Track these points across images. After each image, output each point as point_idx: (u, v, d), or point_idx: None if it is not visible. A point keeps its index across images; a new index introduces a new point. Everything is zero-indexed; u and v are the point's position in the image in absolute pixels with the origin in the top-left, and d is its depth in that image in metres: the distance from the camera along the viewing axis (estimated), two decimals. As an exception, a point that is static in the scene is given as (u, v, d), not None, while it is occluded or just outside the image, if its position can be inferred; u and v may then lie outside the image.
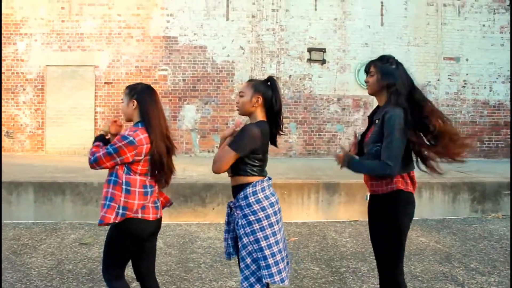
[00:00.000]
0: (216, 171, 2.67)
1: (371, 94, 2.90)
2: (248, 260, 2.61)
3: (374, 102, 10.63)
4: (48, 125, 10.44)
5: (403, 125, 2.62)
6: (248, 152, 2.64)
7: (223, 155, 2.63)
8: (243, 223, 2.63)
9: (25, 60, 10.41)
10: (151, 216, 2.64)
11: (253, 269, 2.61)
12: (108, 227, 2.72)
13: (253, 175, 2.69)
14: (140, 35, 10.36)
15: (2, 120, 10.23)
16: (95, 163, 2.59)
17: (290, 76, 10.70)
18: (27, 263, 4.44)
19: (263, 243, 2.59)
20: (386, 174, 2.63)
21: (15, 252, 4.77)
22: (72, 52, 10.37)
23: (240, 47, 10.54)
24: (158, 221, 2.74)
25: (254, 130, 2.66)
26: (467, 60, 10.94)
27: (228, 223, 2.83)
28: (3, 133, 10.36)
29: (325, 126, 10.74)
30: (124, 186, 2.56)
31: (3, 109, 10.26)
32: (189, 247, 5.07)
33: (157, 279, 2.92)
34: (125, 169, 2.58)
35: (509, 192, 7.22)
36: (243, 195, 2.65)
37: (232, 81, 10.61)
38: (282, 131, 2.90)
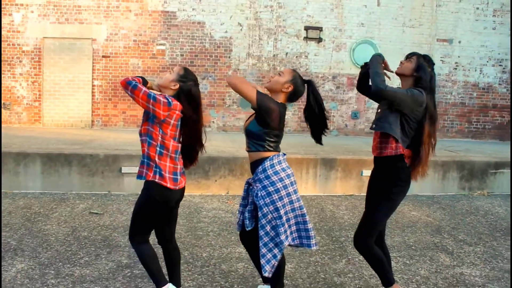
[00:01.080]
0: (232, 84, 2.88)
1: (398, 73, 3.20)
2: (268, 228, 2.84)
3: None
4: (45, 98, 10.49)
5: (416, 99, 2.95)
6: (261, 106, 2.82)
7: (247, 86, 2.87)
8: (262, 194, 2.85)
9: (21, 32, 10.36)
10: (177, 186, 2.85)
11: (272, 235, 2.86)
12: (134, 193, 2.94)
13: (269, 150, 2.93)
14: (138, 9, 10.37)
15: None
16: (132, 88, 2.68)
17: (286, 53, 10.85)
18: (43, 229, 4.66)
19: (282, 211, 2.83)
20: (379, 87, 2.94)
21: (29, 220, 4.98)
22: (69, 24, 10.35)
23: (238, 23, 10.63)
24: (183, 189, 2.96)
25: (275, 103, 2.90)
26: (459, 42, 11.19)
27: (244, 198, 3.08)
28: None
29: (319, 104, 10.96)
30: (158, 148, 2.77)
31: None
32: (195, 217, 5.33)
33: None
34: (160, 131, 2.77)
35: (495, 171, 7.58)
36: (261, 169, 2.89)
37: (229, 57, 10.72)
38: (326, 132, 3.18)
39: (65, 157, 6.28)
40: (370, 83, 3.19)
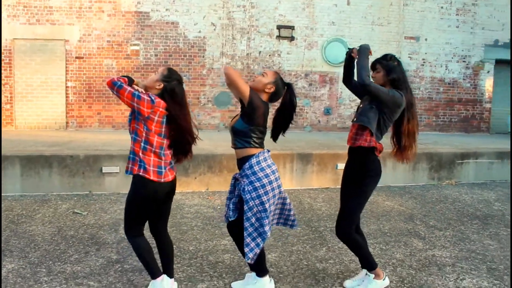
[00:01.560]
0: (230, 76, 3.04)
1: None
2: (253, 219, 3.03)
3: (339, 78, 11.19)
4: (18, 100, 10.35)
5: (395, 101, 3.19)
6: (251, 102, 3.02)
7: (242, 81, 3.04)
8: (249, 189, 3.04)
9: (-10, 33, 10.19)
10: (162, 179, 2.98)
11: (257, 226, 3.04)
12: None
13: (255, 147, 3.14)
14: (111, 9, 10.35)
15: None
16: (117, 88, 2.86)
17: (260, 52, 11.05)
18: (28, 230, 4.70)
19: (267, 205, 3.03)
20: (364, 81, 3.15)
21: (13, 221, 5.00)
22: (41, 25, 10.24)
23: (212, 23, 10.76)
24: (173, 182, 3.10)
25: (262, 101, 3.10)
26: (426, 39, 11.65)
27: (231, 192, 3.27)
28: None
29: (293, 101, 11.20)
30: (142, 144, 2.94)
31: (-30, 83, 10.07)
32: (178, 213, 5.47)
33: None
34: (145, 127, 2.93)
35: (462, 162, 8.00)
36: (248, 165, 3.08)
37: (203, 56, 10.84)
38: (284, 134, 3.41)
39: (45, 158, 6.29)
40: (354, 77, 3.41)
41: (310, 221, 5.31)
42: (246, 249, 3.04)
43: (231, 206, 3.18)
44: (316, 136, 9.72)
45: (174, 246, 4.20)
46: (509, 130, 12.34)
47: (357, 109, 3.47)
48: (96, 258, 3.97)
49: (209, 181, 6.83)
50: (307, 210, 5.79)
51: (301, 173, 7.13)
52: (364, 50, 3.30)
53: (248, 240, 3.05)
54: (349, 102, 11.43)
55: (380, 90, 3.17)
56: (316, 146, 7.84)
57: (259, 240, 3.05)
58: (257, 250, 3.04)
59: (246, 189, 3.05)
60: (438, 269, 3.92)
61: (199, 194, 6.51)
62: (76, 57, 10.37)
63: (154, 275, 3.06)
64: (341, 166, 7.10)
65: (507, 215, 5.82)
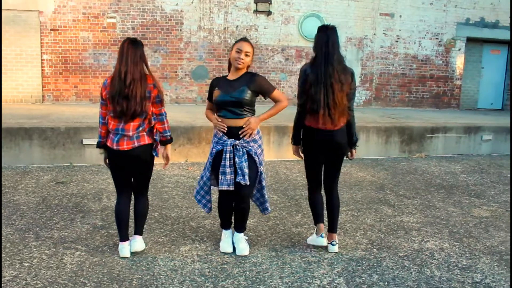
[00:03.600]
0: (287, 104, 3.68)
1: None
2: (260, 167, 3.58)
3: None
4: (-9, 72, 10.17)
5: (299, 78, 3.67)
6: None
7: (282, 95, 3.67)
8: (259, 151, 3.58)
9: (-40, 3, 9.90)
10: (113, 146, 3.36)
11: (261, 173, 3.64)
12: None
13: (253, 114, 3.56)
14: (86, -20, 10.18)
15: None
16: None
17: (237, 26, 11.09)
18: (13, 200, 4.81)
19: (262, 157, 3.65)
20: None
21: (-4, 191, 5.09)
22: (13, -5, 10.00)
23: (189, -4, 10.71)
24: (122, 151, 3.34)
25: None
26: (400, 16, 11.88)
27: (230, 158, 3.48)
28: None
29: (269, 75, 11.34)
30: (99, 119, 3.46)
31: None
32: (159, 183, 5.64)
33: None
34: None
35: (432, 135, 8.37)
36: (256, 130, 3.56)
37: (181, 30, 10.82)
38: None
39: (25, 130, 6.32)
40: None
41: (286, 190, 5.56)
42: (267, 204, 3.72)
43: (245, 171, 3.44)
44: (292, 110, 9.90)
45: (156, 213, 4.45)
46: (478, 107, 12.83)
47: None
48: (81, 225, 4.13)
49: (189, 153, 7.00)
50: (283, 180, 6.03)
51: (277, 145, 7.35)
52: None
53: (266, 196, 3.71)
54: (325, 78, 11.62)
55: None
56: (292, 119, 8.03)
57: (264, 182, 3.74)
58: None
59: (258, 151, 3.54)
60: (405, 233, 4.23)
61: (178, 165, 6.68)
62: (51, 29, 10.20)
63: (120, 238, 3.53)
64: (317, 139, 7.37)
65: (471, 185, 6.21)
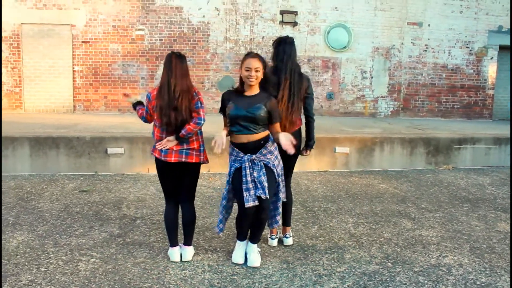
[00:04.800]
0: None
1: None
2: (278, 178, 3.63)
3: (341, 64, 11.33)
4: (26, 84, 10.59)
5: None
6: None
7: (279, 128, 3.66)
8: (276, 163, 3.59)
9: (-2, 18, 10.39)
10: (161, 157, 3.51)
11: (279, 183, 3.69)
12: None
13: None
14: (116, -6, 10.50)
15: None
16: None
17: (263, 37, 11.17)
18: (37, 207, 4.98)
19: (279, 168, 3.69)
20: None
21: (22, 199, 5.28)
22: (48, 10, 10.42)
23: (216, 8, 10.87)
24: (166, 162, 3.51)
25: None
26: (429, 25, 11.68)
27: (250, 174, 3.50)
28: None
29: (296, 86, 11.33)
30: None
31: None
32: (179, 193, 5.70)
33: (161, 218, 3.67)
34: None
35: (459, 147, 8.15)
36: (271, 143, 3.59)
37: (207, 41, 10.99)
38: None
39: (53, 140, 6.54)
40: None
41: (305, 201, 5.53)
42: (278, 217, 3.78)
43: (264, 184, 3.47)
44: (317, 121, 9.82)
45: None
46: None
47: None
48: (99, 232, 4.23)
49: (211, 163, 7.03)
50: (304, 192, 6.00)
51: (299, 156, 7.30)
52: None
53: (280, 209, 3.79)
54: (352, 88, 11.55)
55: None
56: (316, 130, 7.97)
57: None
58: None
59: (275, 163, 3.56)
60: (423, 247, 4.13)
61: (200, 175, 6.72)
62: (83, 42, 10.56)
63: (170, 242, 3.69)
64: (339, 149, 7.30)
65: (498, 198, 6.00)
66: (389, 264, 3.72)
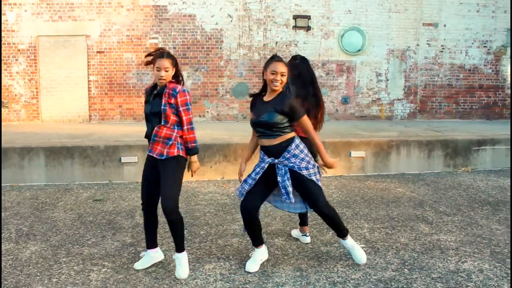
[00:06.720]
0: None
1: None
2: (314, 178, 3.48)
3: (356, 67, 11.21)
4: (43, 94, 10.76)
5: None
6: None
7: (308, 124, 3.51)
8: (303, 165, 3.43)
9: (15, 31, 10.58)
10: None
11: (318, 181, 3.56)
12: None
13: (292, 131, 3.52)
14: (130, 4, 10.60)
15: (-2, 90, 10.51)
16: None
17: (276, 42, 11.13)
18: (51, 217, 5.00)
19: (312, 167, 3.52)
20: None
21: (37, 209, 5.32)
22: (63, 22, 10.59)
23: (228, 15, 10.89)
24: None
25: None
26: (444, 25, 11.49)
27: (268, 180, 3.52)
28: (-1, 103, 10.65)
29: (310, 90, 11.26)
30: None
31: (-2, 79, 10.52)
32: (193, 200, 5.68)
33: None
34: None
35: (478, 148, 7.95)
36: (294, 146, 3.46)
37: (221, 48, 11.01)
38: None
39: (68, 149, 6.60)
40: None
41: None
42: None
43: (289, 189, 3.44)
44: (332, 125, 9.77)
45: (186, 230, 4.42)
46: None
47: None
48: (111, 242, 4.21)
49: (225, 170, 7.02)
50: (318, 197, 5.90)
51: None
52: None
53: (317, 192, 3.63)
54: (367, 91, 11.42)
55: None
56: (330, 135, 7.90)
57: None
58: None
59: (303, 165, 3.43)
60: (441, 252, 4.00)
61: (214, 182, 6.71)
62: (97, 52, 10.69)
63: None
64: (355, 153, 7.19)
65: (520, 200, 5.81)
66: (406, 270, 3.61)
